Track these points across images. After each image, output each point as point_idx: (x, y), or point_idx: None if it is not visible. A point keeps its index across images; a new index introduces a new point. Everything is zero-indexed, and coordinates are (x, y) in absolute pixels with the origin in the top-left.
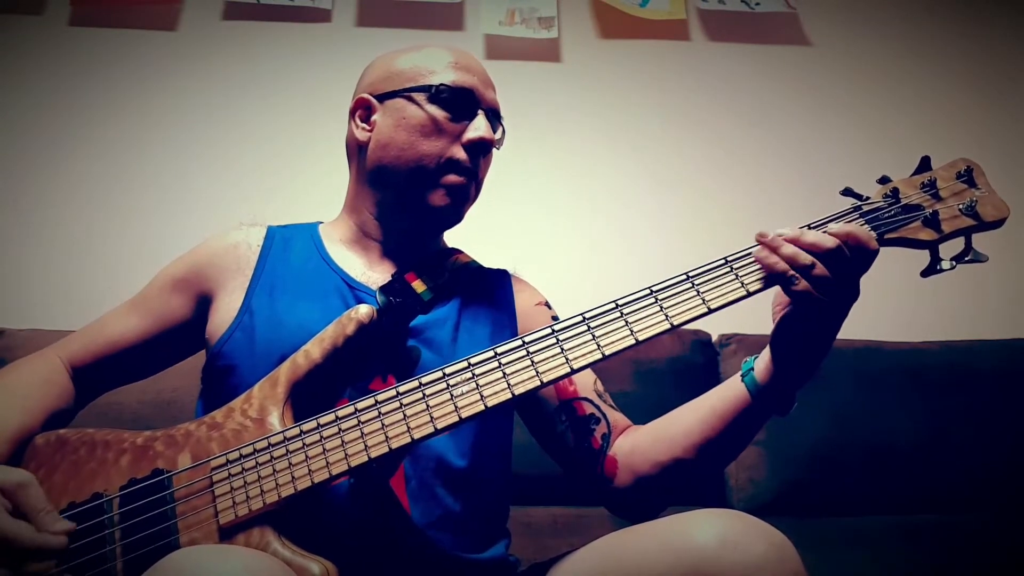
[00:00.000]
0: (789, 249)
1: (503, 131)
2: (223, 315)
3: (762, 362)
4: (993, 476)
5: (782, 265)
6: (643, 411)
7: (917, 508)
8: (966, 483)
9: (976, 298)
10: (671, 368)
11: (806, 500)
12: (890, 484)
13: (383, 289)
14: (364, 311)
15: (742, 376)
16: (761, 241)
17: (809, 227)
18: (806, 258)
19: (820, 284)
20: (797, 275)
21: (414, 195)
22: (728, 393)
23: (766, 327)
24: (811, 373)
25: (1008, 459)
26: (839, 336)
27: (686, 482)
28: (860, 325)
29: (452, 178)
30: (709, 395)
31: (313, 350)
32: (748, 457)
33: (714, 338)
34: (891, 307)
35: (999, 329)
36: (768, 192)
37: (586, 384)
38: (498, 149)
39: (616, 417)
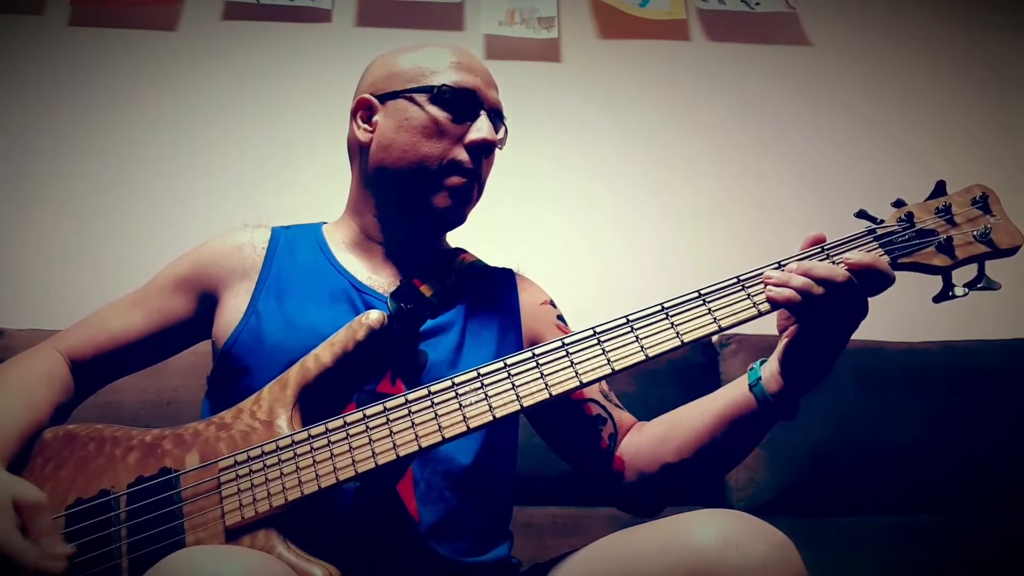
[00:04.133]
0: (799, 281)
1: (505, 131)
2: (229, 316)
3: (771, 372)
4: (993, 476)
5: (796, 297)
6: (644, 411)
7: (917, 508)
8: (966, 483)
9: (976, 298)
10: (671, 368)
11: (806, 500)
12: (890, 484)
13: (393, 295)
14: (375, 317)
15: (751, 386)
16: (768, 282)
17: (824, 248)
18: (818, 289)
19: (832, 311)
20: (811, 304)
21: (416, 197)
22: (736, 400)
23: (766, 327)
24: (820, 381)
25: (1008, 459)
26: None
27: (692, 481)
28: (860, 325)
29: (455, 179)
30: (716, 399)
31: (323, 354)
32: (748, 457)
33: (714, 338)
34: (892, 307)
35: (999, 329)
36: (767, 192)
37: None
38: (500, 149)
39: (622, 416)
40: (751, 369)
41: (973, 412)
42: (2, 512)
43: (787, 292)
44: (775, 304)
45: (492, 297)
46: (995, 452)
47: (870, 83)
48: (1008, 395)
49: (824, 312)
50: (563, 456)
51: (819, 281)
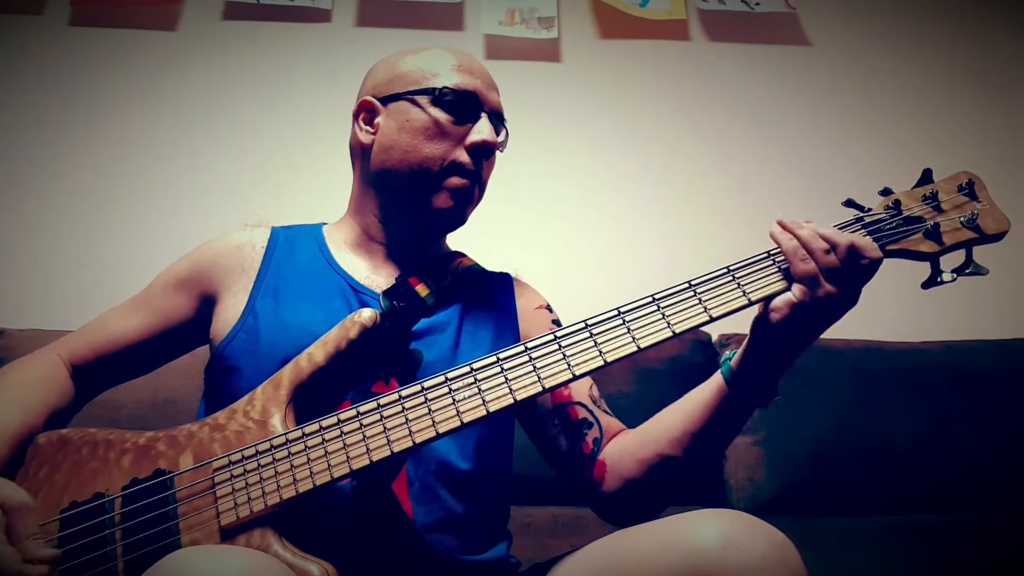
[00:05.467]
0: (807, 232)
1: (506, 133)
2: (227, 316)
3: (739, 351)
4: (993, 476)
5: (795, 243)
6: (643, 412)
7: (917, 508)
8: (966, 483)
9: (976, 298)
10: (670, 369)
11: (806, 500)
12: (890, 484)
13: (387, 293)
14: (367, 315)
15: (720, 369)
16: (780, 223)
17: None
18: (822, 242)
19: (829, 271)
20: (806, 256)
21: (418, 197)
22: (707, 386)
23: None
24: (787, 365)
25: (1008, 459)
26: (839, 336)
27: (672, 481)
28: (860, 325)
29: (456, 180)
30: (691, 393)
31: (316, 353)
32: (748, 457)
33: (714, 338)
34: (891, 307)
35: (999, 329)
36: (767, 192)
37: (581, 389)
38: (501, 152)
39: (609, 422)
40: (725, 355)
41: (973, 412)
42: None
43: (787, 235)
44: (779, 243)
45: (489, 299)
46: (995, 452)
47: (870, 83)
48: (1008, 395)
49: (827, 275)
50: (545, 457)
51: (824, 237)
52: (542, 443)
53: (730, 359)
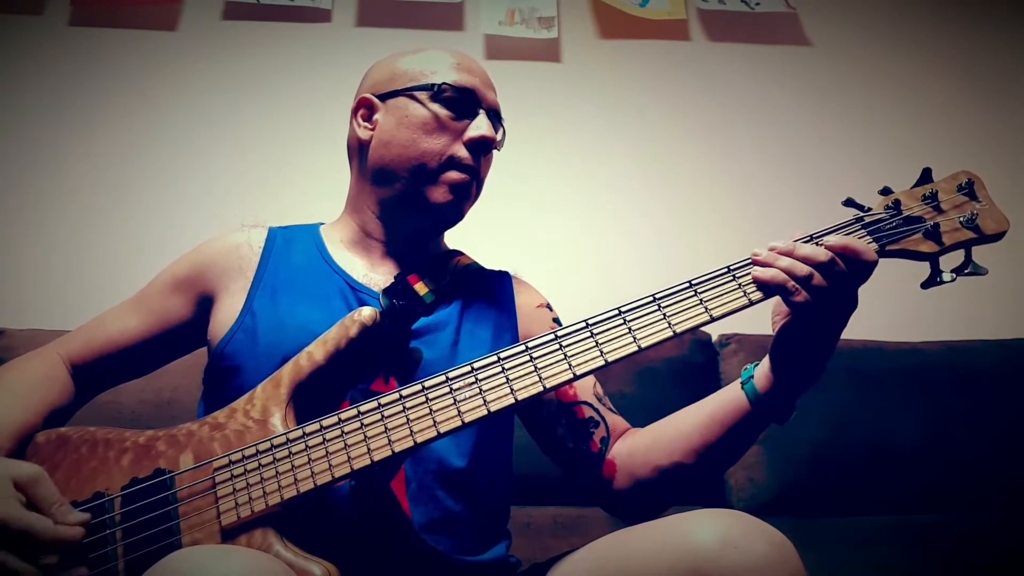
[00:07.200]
0: (785, 262)
1: (503, 132)
2: (225, 316)
3: (762, 370)
4: (993, 476)
5: (781, 277)
6: (643, 411)
7: (917, 508)
8: (966, 483)
9: (976, 298)
10: (671, 368)
11: (806, 500)
12: (890, 484)
13: (386, 291)
14: (367, 313)
15: (742, 384)
16: (756, 260)
17: (812, 237)
18: (803, 269)
19: (817, 294)
20: (796, 286)
21: (416, 192)
22: (727, 399)
23: (765, 327)
24: (812, 383)
25: (1008, 459)
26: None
27: (684, 486)
28: (860, 325)
29: (453, 175)
30: (709, 400)
31: (316, 352)
32: (748, 457)
33: (714, 338)
34: (891, 307)
35: (999, 329)
36: (767, 192)
37: (586, 387)
38: (498, 150)
39: (615, 420)
40: (745, 369)
41: (973, 412)
42: (2, 491)
43: (772, 272)
44: (760, 285)
45: (488, 298)
46: (995, 452)
47: (870, 83)
48: (1008, 395)
49: (813, 297)
50: (552, 458)
51: (803, 260)
52: (548, 443)
53: (751, 376)
